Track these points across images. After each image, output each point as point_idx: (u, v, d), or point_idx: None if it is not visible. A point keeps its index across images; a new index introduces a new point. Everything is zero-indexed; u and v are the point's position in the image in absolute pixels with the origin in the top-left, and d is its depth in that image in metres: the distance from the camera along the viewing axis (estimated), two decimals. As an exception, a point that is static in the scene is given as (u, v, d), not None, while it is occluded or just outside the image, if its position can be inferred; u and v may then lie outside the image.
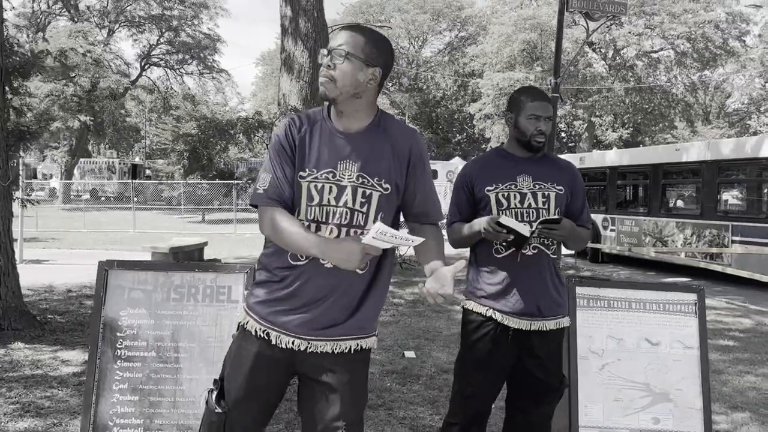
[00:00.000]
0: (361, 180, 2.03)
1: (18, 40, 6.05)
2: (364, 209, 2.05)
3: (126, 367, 2.86)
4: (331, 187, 2.03)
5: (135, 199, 25.74)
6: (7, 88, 5.92)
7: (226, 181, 24.22)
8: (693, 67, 38.15)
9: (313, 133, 2.09)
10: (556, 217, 2.73)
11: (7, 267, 5.72)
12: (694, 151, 12.96)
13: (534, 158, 2.87)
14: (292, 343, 2.04)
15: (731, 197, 12.78)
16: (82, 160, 40.88)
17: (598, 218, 14.94)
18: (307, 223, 2.04)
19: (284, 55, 10.04)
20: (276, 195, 2.04)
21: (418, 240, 1.96)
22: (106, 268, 2.91)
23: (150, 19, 38.84)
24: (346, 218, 2.03)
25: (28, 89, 6.50)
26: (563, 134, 38.35)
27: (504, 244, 2.74)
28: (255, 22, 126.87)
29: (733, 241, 11.52)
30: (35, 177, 45.82)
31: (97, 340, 2.85)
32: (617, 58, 37.24)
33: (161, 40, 39.97)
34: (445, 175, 25.89)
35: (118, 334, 2.88)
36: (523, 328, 2.76)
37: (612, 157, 15.71)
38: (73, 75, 31.15)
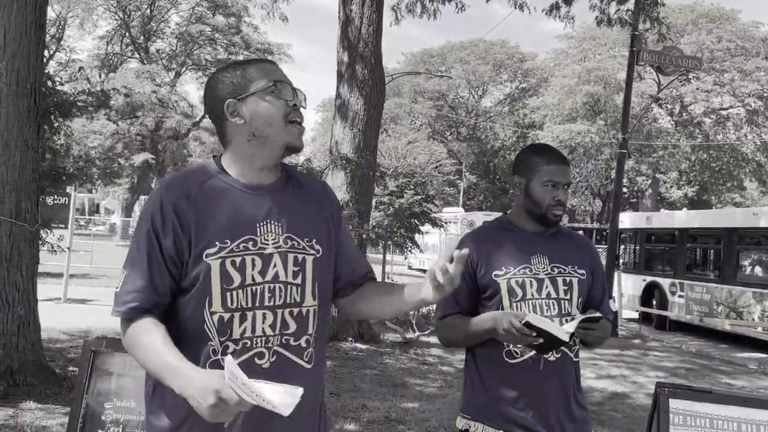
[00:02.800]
0: (290, 243, 1.57)
1: (61, 79, 5.91)
2: (298, 280, 1.56)
3: (105, 474, 2.34)
4: (253, 259, 1.52)
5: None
6: (46, 128, 5.69)
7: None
8: (765, 126, 36.66)
9: (210, 195, 1.55)
10: (597, 314, 2.10)
11: (28, 317, 5.36)
12: (774, 216, 11.99)
13: (546, 233, 2.26)
14: None
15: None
16: (142, 197, 41.79)
17: (665, 283, 13.98)
18: (228, 315, 1.50)
19: (339, 102, 9.75)
20: (136, 300, 1.49)
21: (288, 407, 1.26)
22: (92, 348, 2.43)
23: (216, 63, 39.83)
24: (279, 297, 1.53)
25: (70, 129, 6.26)
26: (626, 190, 37.14)
27: (519, 346, 2.12)
28: (317, 69, 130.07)
29: (819, 317, 10.45)
30: (98, 212, 47.08)
31: (74, 438, 2.35)
32: (684, 114, 36.11)
33: (225, 84, 40.88)
34: (501, 228, 25.07)
35: (99, 431, 2.37)
36: None
37: (682, 218, 14.77)
38: (139, 114, 32.03)
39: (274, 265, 1.54)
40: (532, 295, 2.16)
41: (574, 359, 2.22)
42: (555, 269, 2.20)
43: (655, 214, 17.12)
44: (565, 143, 33.42)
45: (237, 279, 1.51)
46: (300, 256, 1.57)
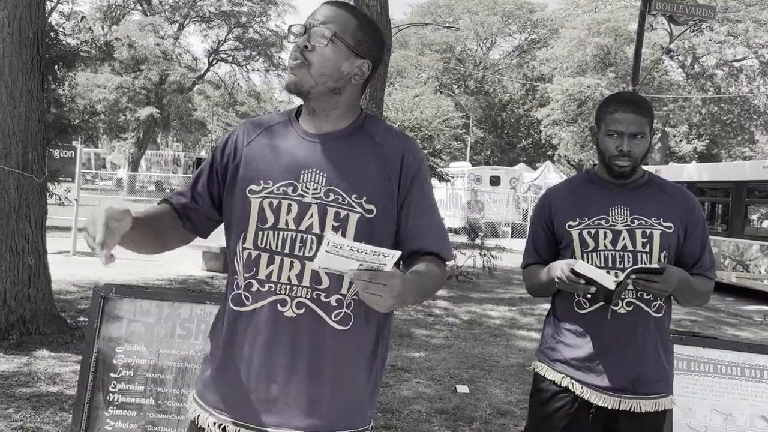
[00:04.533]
0: (332, 196, 1.50)
1: (64, 30, 5.84)
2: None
3: (118, 416, 2.39)
4: (290, 205, 1.50)
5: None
6: (50, 78, 5.63)
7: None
8: (778, 77, 36.01)
9: (270, 137, 1.59)
10: (655, 265, 2.03)
11: (38, 268, 5.41)
12: (785, 168, 11.89)
13: (633, 185, 2.19)
14: None
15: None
16: (149, 151, 41.72)
17: (672, 236, 13.95)
18: (257, 253, 1.51)
19: (345, 53, 9.65)
20: (171, 196, 1.65)
21: (394, 253, 1.29)
22: (102, 295, 2.45)
23: (219, 15, 39.26)
24: (311, 249, 1.48)
25: (74, 79, 6.21)
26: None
27: (587, 297, 2.10)
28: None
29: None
30: (104, 167, 47.07)
31: (86, 381, 2.39)
32: (696, 66, 35.47)
33: (229, 36, 40.38)
34: (509, 182, 25.03)
35: (111, 374, 2.41)
36: (609, 407, 2.11)
37: (690, 172, 14.66)
38: (143, 68, 31.72)
39: (310, 216, 1.50)
40: (605, 247, 2.12)
41: (655, 315, 2.13)
42: (635, 221, 2.13)
43: (663, 167, 16.99)
44: (575, 96, 33.00)
45: (270, 220, 1.51)
46: (343, 212, 1.50)
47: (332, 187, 1.50)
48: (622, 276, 2.01)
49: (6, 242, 5.25)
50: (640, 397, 2.12)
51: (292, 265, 1.48)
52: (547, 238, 2.25)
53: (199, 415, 1.55)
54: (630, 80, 13.09)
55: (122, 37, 22.59)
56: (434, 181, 20.70)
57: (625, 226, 2.13)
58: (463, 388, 5.03)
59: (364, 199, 1.51)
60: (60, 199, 8.59)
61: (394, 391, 4.84)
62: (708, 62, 34.81)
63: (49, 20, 7.05)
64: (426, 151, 19.62)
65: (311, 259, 1.47)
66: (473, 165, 32.90)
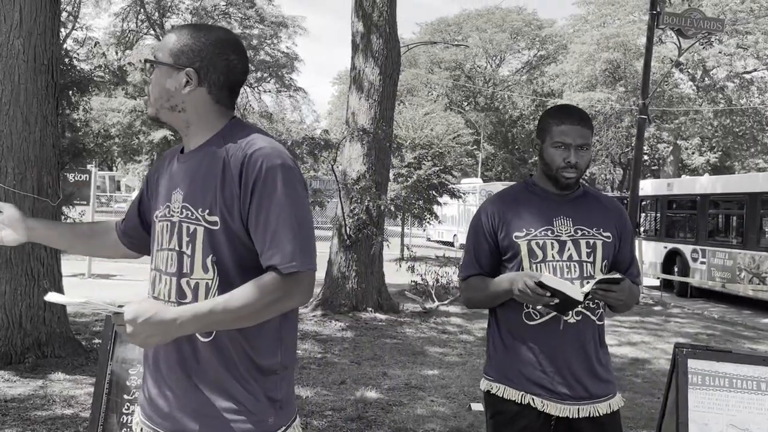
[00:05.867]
0: (185, 213, 1.58)
1: (78, 56, 5.98)
2: (189, 251, 1.56)
3: (132, 437, 2.39)
4: (165, 225, 1.63)
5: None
6: (65, 103, 5.73)
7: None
8: (790, 88, 35.82)
9: (167, 164, 1.72)
10: (617, 276, 2.09)
11: (53, 291, 5.45)
12: (799, 179, 11.79)
13: (572, 196, 2.24)
14: None
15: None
16: (162, 174, 42.13)
17: (687, 249, 13.87)
18: (152, 274, 1.66)
19: (354, 73, 9.69)
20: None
21: (79, 299, 1.45)
22: (115, 316, 2.47)
23: (231, 38, 39.67)
24: (174, 265, 1.58)
25: (88, 104, 6.31)
26: (646, 157, 36.67)
27: (539, 308, 2.13)
28: (334, 40, 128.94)
29: None
30: (119, 189, 47.53)
31: (100, 404, 2.40)
32: (706, 79, 35.39)
33: (241, 58, 40.77)
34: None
35: (125, 396, 2.43)
36: (570, 416, 2.14)
37: (703, 184, 14.58)
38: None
39: (174, 234, 1.59)
40: (553, 257, 2.16)
41: (598, 322, 2.21)
42: (578, 231, 2.19)
43: (676, 180, 16.92)
44: (585, 111, 32.99)
45: (157, 243, 1.65)
46: (192, 227, 1.56)
47: (185, 204, 1.59)
48: (588, 287, 2.06)
49: (21, 266, 5.30)
50: (596, 401, 2.17)
51: (166, 282, 1.59)
52: (491, 249, 2.25)
53: (137, 419, 1.70)
54: (640, 94, 13.07)
55: (135, 61, 22.90)
56: (446, 198, 20.77)
57: (569, 236, 2.18)
58: (478, 406, 4.99)
59: (207, 212, 1.55)
60: (74, 222, 8.67)
61: (408, 410, 4.82)
62: (718, 74, 34.73)
63: (64, 46, 7.23)
64: (437, 168, 19.66)
65: (176, 275, 1.57)
66: (484, 181, 32.91)
